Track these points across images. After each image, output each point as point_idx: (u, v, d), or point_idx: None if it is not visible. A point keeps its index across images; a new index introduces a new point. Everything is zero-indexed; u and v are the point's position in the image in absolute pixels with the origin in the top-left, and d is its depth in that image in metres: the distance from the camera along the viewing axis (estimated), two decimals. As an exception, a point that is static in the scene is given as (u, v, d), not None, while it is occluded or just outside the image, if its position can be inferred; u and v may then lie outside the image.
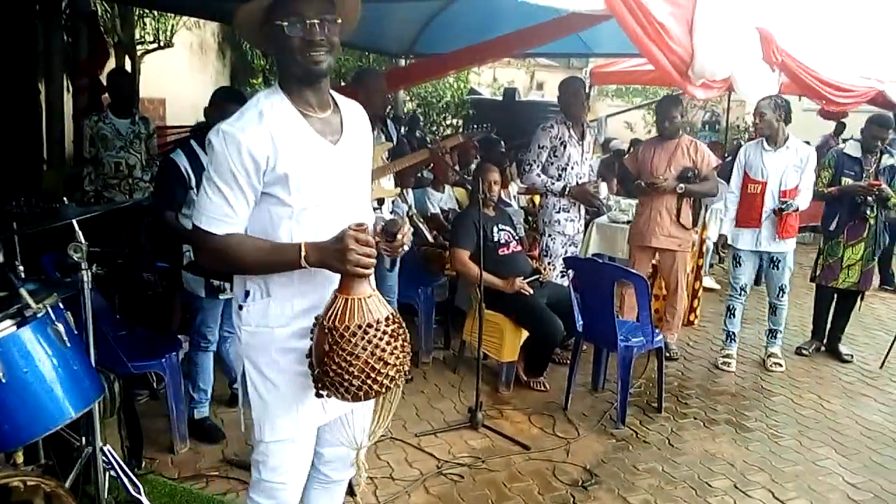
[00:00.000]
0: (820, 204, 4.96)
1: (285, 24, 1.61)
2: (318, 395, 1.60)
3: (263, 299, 1.73)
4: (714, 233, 6.89)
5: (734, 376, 4.59)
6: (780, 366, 4.72)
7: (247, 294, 1.73)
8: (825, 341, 5.11)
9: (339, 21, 1.67)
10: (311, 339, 1.61)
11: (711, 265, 7.53)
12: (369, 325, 1.54)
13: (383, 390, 1.59)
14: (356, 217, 1.67)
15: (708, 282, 6.66)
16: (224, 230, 1.65)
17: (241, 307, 1.75)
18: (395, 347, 1.58)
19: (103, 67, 6.67)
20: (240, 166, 1.60)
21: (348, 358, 1.52)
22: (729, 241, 4.74)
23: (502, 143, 7.84)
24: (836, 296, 4.99)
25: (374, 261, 1.57)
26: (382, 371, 1.55)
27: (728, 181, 5.07)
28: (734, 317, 4.76)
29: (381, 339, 1.55)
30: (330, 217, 1.70)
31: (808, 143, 5.06)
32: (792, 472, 3.36)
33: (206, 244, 1.67)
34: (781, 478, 3.31)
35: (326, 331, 1.54)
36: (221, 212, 1.64)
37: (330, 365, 1.53)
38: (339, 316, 1.54)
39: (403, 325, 1.64)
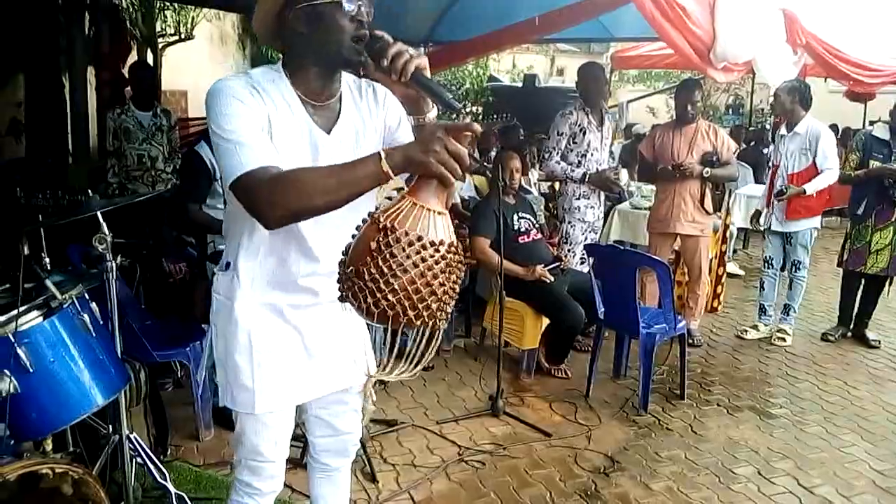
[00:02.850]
0: (847, 187, 4.90)
1: (345, 3, 1.50)
2: (341, 300, 1.36)
3: (229, 272, 1.70)
4: (738, 218, 6.83)
5: (758, 362, 4.55)
6: (784, 341, 4.82)
7: (227, 265, 1.72)
8: (852, 327, 5.05)
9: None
10: (355, 234, 1.35)
11: (735, 251, 7.45)
12: (432, 242, 1.29)
13: (417, 321, 1.32)
14: (351, 209, 1.48)
15: (732, 267, 6.59)
16: (269, 160, 1.46)
17: (214, 274, 1.75)
18: (448, 280, 1.33)
19: (125, 61, 6.75)
20: (244, 109, 1.51)
21: (394, 267, 1.27)
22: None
23: (521, 129, 7.79)
24: (863, 281, 4.93)
25: (458, 169, 1.32)
26: (426, 299, 1.30)
27: (752, 165, 5.11)
28: (763, 289, 5.02)
29: (437, 262, 1.29)
30: None
31: (835, 125, 5.01)
32: (817, 459, 3.33)
33: (263, 180, 1.43)
34: (807, 465, 3.27)
35: (380, 227, 1.28)
36: (254, 146, 1.47)
37: (369, 267, 1.28)
38: (401, 217, 1.29)
39: (463, 260, 1.38)
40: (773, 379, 4.30)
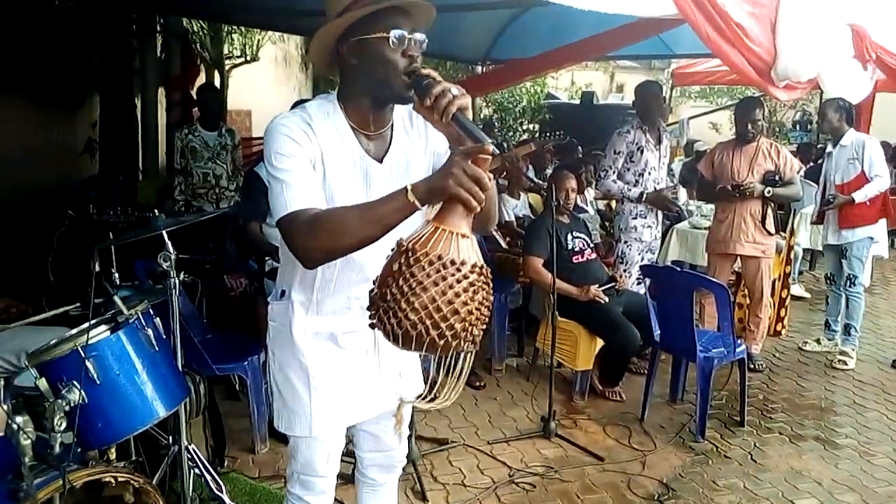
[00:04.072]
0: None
1: (392, 36, 1.54)
2: (371, 326, 1.39)
3: (286, 300, 1.76)
4: (804, 238, 6.61)
5: (823, 389, 4.38)
6: (846, 364, 4.69)
7: (282, 294, 1.78)
8: (925, 354, 4.84)
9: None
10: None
11: (801, 272, 7.20)
12: (451, 262, 1.30)
13: (440, 342, 1.31)
14: (401, 236, 1.53)
15: (797, 290, 6.37)
16: (311, 203, 1.53)
17: (268, 303, 1.81)
18: (473, 300, 1.33)
19: (194, 82, 7.02)
20: (295, 149, 1.57)
21: (414, 286, 1.29)
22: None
23: (580, 148, 7.76)
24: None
25: (480, 193, 1.34)
26: (448, 318, 1.30)
27: (819, 183, 5.01)
28: (828, 304, 5.08)
29: (459, 281, 1.30)
30: None
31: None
32: (885, 493, 3.18)
33: (299, 222, 1.50)
34: (873, 498, 3.13)
35: (403, 250, 1.33)
36: (300, 188, 1.54)
37: (391, 287, 1.31)
38: (422, 240, 1.33)
39: (491, 283, 1.39)
40: (840, 407, 4.13)
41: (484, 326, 1.39)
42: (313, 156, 1.60)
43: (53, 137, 6.51)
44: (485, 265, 1.37)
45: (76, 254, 2.74)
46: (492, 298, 1.40)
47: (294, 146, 1.57)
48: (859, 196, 4.58)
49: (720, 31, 2.55)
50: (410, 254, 1.31)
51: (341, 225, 1.46)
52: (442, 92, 1.48)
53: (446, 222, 1.35)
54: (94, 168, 6.65)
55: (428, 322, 1.29)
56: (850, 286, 4.75)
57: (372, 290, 1.37)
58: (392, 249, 1.37)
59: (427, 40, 1.62)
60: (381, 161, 1.70)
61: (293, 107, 3.50)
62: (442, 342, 1.31)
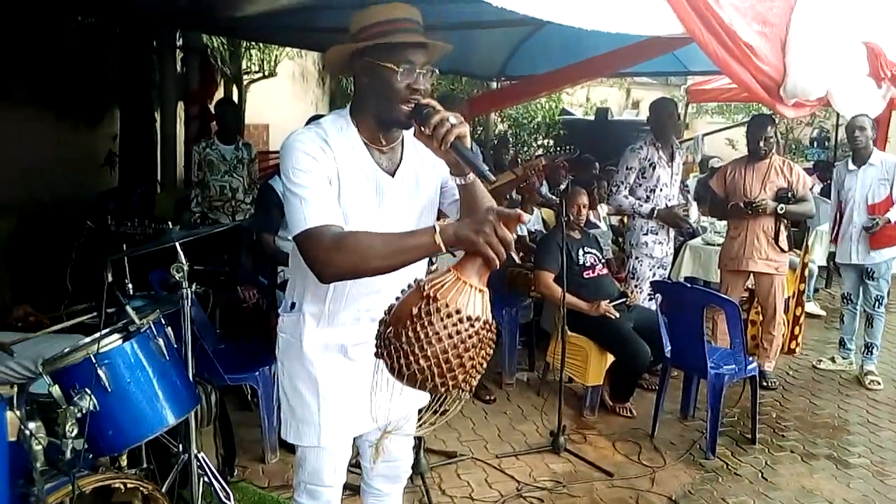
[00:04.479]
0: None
1: (399, 69, 1.59)
2: (376, 356, 1.45)
3: (297, 312, 1.80)
4: (819, 256, 6.56)
5: (837, 407, 4.34)
6: (878, 384, 4.64)
7: (292, 306, 1.82)
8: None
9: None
10: (399, 296, 1.43)
11: (816, 290, 7.13)
12: (468, 317, 1.37)
13: (441, 388, 1.40)
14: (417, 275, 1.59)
15: (812, 307, 6.32)
16: (331, 219, 1.56)
17: (279, 315, 1.85)
18: (478, 354, 1.41)
19: (212, 97, 7.14)
20: (313, 164, 1.62)
21: (430, 335, 1.35)
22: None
23: (596, 164, 7.76)
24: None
25: (503, 253, 1.39)
26: (454, 370, 1.38)
27: (832, 199, 5.00)
28: (843, 322, 5.05)
29: (470, 337, 1.37)
30: None
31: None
32: (898, 514, 3.14)
33: (324, 240, 1.53)
34: (886, 519, 3.10)
35: (424, 295, 1.37)
36: (318, 204, 1.57)
37: (408, 331, 1.36)
38: (444, 289, 1.37)
39: (495, 339, 1.47)
40: (853, 426, 4.09)
41: (480, 376, 1.46)
42: (330, 171, 1.64)
43: (75, 150, 6.63)
44: (491, 320, 1.44)
45: (94, 264, 2.80)
46: (491, 352, 1.46)
47: (311, 162, 1.62)
48: (894, 216, 4.55)
49: (729, 51, 2.57)
50: (431, 301, 1.36)
51: (367, 250, 1.50)
52: (440, 121, 1.54)
53: (467, 274, 1.40)
54: (114, 180, 6.76)
55: (435, 370, 1.36)
56: (877, 307, 4.69)
57: (385, 323, 1.42)
58: (409, 286, 1.42)
59: (437, 71, 1.67)
60: (392, 175, 1.75)
61: (308, 122, 3.58)
62: (443, 388, 1.40)
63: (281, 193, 3.39)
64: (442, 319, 1.35)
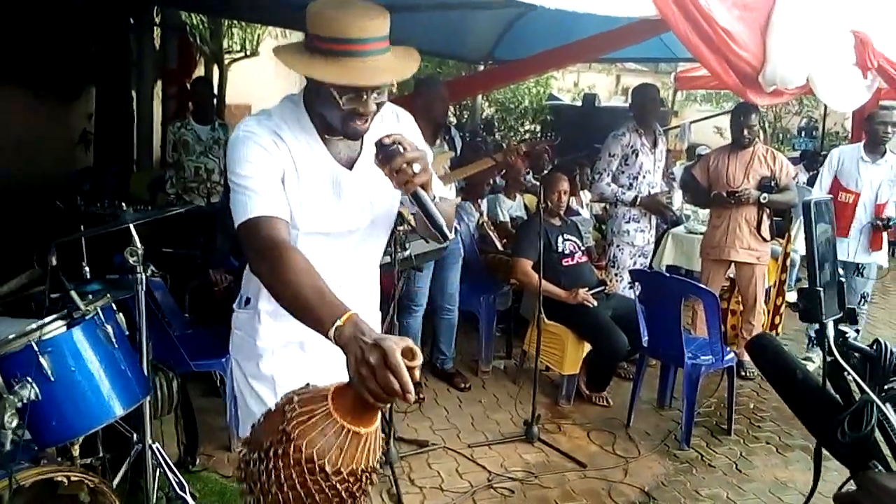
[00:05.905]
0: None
1: (342, 99, 1.47)
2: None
3: (251, 309, 1.72)
4: (801, 245, 6.53)
5: (815, 400, 4.31)
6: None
7: (247, 301, 1.74)
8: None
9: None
10: (260, 419, 1.21)
11: (798, 279, 7.11)
12: (322, 469, 1.11)
13: None
14: (370, 246, 1.55)
15: (793, 297, 6.28)
16: (275, 211, 1.48)
17: (233, 310, 1.78)
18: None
19: (191, 76, 7.00)
20: (262, 156, 1.53)
21: (274, 478, 1.13)
22: None
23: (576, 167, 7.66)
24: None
25: (385, 397, 1.12)
26: None
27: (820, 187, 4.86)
28: None
29: (319, 492, 1.13)
30: (340, 245, 1.65)
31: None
32: (871, 508, 3.11)
33: (258, 238, 1.45)
34: (859, 513, 3.07)
35: (279, 430, 1.13)
36: (264, 196, 1.49)
37: (257, 464, 1.15)
38: (306, 425, 1.12)
39: (365, 490, 1.19)
40: (830, 418, 4.06)
41: None
42: (283, 163, 1.55)
43: (49, 128, 6.51)
44: (365, 471, 1.16)
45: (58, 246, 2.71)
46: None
47: (263, 154, 1.53)
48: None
49: (703, 35, 2.48)
50: (286, 440, 1.11)
51: (281, 286, 1.38)
52: (402, 168, 1.43)
53: (343, 409, 1.13)
54: (89, 159, 6.64)
55: None
56: (862, 304, 4.61)
57: (247, 442, 1.21)
58: (289, 400, 1.18)
59: (393, 85, 1.55)
60: (351, 168, 1.65)
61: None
62: None
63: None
64: (290, 466, 1.11)
